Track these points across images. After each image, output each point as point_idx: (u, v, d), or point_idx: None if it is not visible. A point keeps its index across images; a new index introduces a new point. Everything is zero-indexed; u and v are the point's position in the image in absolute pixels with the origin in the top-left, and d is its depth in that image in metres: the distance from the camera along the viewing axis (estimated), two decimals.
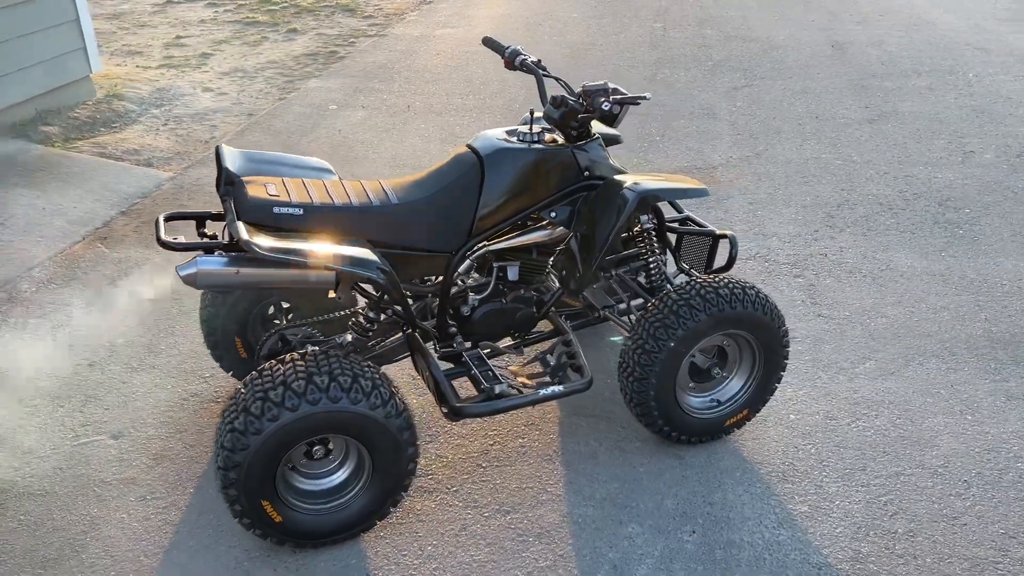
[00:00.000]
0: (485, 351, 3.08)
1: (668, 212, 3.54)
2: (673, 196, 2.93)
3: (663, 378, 2.91)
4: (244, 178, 2.89)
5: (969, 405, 3.35)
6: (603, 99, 2.88)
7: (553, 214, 3.00)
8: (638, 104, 3.01)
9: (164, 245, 2.57)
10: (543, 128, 3.07)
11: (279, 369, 2.56)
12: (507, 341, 3.23)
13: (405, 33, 9.36)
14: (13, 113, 6.28)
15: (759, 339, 3.01)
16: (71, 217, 5.04)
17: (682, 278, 3.48)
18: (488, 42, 3.34)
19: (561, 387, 2.87)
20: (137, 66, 8.23)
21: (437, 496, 2.93)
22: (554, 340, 3.22)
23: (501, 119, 6.64)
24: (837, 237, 4.68)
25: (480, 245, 2.98)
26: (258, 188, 2.76)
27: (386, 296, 2.80)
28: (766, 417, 3.30)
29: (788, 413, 3.33)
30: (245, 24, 9.80)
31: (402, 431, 2.59)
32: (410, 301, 3.14)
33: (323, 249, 2.54)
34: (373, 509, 2.69)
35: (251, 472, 2.48)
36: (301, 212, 2.70)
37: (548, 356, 3.15)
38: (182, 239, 2.62)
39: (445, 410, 2.78)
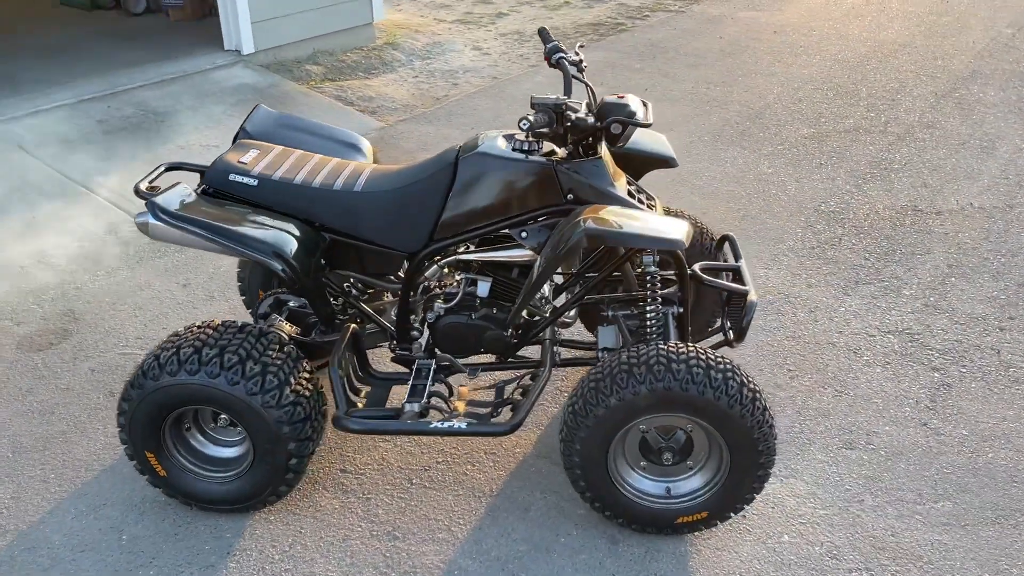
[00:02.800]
0: (443, 363, 2.87)
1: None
2: (630, 242, 2.42)
3: (590, 446, 2.49)
4: (241, 141, 2.97)
5: None
6: (537, 116, 2.45)
7: (524, 234, 2.67)
8: (638, 126, 2.53)
9: (137, 192, 2.72)
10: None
11: (189, 334, 2.61)
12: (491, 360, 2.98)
13: (704, 11, 8.83)
14: (293, 50, 7.04)
15: (724, 435, 2.44)
16: None
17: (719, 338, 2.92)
18: (541, 32, 3.01)
19: (464, 424, 2.58)
20: (435, 19, 8.75)
21: (347, 498, 2.83)
22: (525, 372, 2.90)
23: (715, 119, 6.02)
24: None
25: (450, 252, 2.77)
26: (235, 153, 2.81)
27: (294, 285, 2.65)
28: (753, 527, 2.69)
29: (785, 532, 2.67)
30: None
31: (280, 424, 2.52)
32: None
33: (232, 225, 2.53)
34: (252, 493, 2.67)
35: (135, 423, 2.58)
36: (255, 184, 2.71)
37: (507, 387, 2.85)
38: (159, 187, 2.75)
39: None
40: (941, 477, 2.87)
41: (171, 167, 2.95)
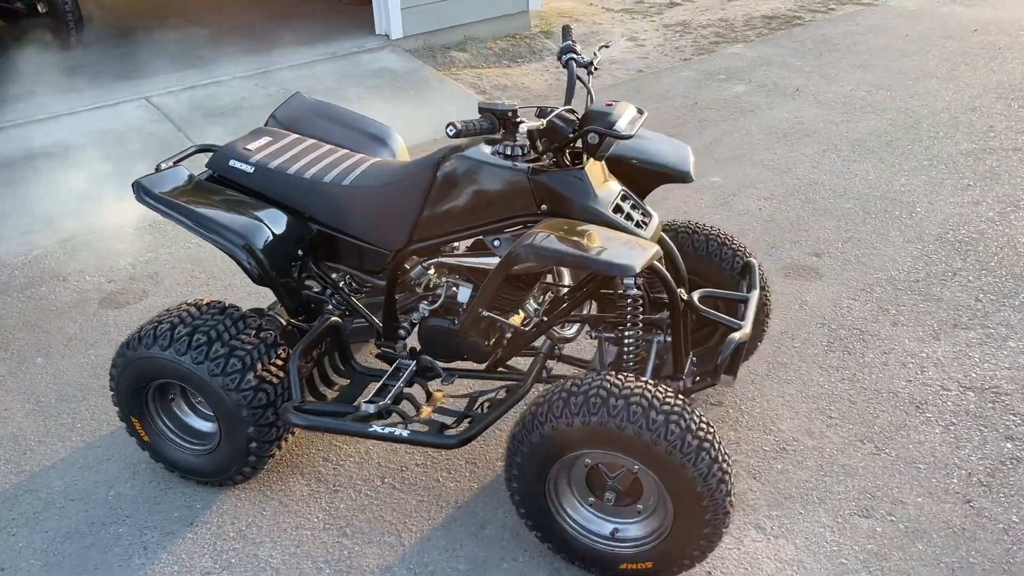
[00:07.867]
0: (425, 365, 2.81)
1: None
2: (572, 264, 2.21)
3: (526, 473, 2.34)
4: (260, 127, 3.04)
5: None
6: (472, 122, 2.27)
7: (496, 243, 2.54)
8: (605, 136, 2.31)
9: (157, 170, 2.87)
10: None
11: (175, 311, 2.73)
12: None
13: (902, 5, 8.02)
14: (443, 36, 7.16)
15: (665, 484, 2.20)
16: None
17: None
18: (564, 30, 2.85)
19: (407, 433, 2.50)
20: (602, 7, 8.58)
21: (318, 487, 2.84)
22: (503, 384, 2.78)
23: (862, 127, 5.43)
24: None
25: (432, 253, 2.70)
26: (245, 140, 2.89)
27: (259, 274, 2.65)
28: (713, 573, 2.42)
29: None
30: None
31: (239, 407, 2.57)
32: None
33: (208, 211, 2.59)
34: (221, 469, 2.75)
35: (120, 388, 2.74)
36: (251, 171, 2.77)
37: (479, 398, 2.73)
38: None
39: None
40: (962, 567, 2.43)
41: (201, 149, 3.08)
